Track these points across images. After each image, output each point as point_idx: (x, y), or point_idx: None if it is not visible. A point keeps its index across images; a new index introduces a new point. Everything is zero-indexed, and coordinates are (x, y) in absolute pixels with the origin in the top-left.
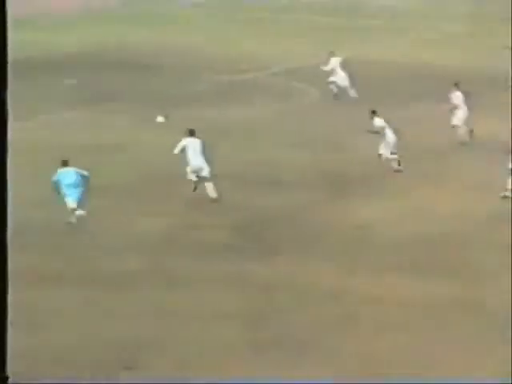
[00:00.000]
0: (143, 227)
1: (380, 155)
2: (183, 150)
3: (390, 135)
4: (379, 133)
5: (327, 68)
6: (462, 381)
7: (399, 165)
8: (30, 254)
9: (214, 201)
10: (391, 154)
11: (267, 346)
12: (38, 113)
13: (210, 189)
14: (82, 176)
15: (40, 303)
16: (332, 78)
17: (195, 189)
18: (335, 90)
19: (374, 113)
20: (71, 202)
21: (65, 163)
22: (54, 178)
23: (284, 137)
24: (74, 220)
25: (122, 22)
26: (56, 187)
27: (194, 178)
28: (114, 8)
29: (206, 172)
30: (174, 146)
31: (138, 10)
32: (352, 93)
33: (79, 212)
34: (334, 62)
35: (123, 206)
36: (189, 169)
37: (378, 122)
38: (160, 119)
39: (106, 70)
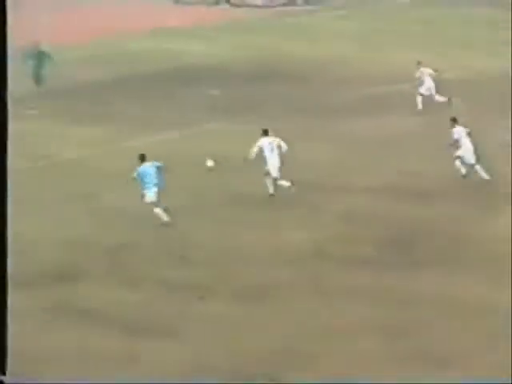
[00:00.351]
0: (292, 240)
1: (458, 157)
2: (261, 151)
3: (468, 144)
4: (458, 142)
5: (416, 78)
6: (462, 381)
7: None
8: (185, 268)
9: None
10: (469, 163)
11: (412, 360)
12: (183, 124)
13: (285, 185)
14: (158, 167)
15: (190, 315)
16: (420, 89)
17: (272, 194)
18: (420, 104)
19: (454, 121)
20: (151, 196)
21: (142, 158)
22: (136, 172)
23: (428, 148)
24: (165, 219)
25: (268, 34)
26: (138, 181)
27: (270, 182)
28: (262, 20)
29: (275, 173)
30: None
31: (285, 21)
32: (438, 99)
33: (158, 210)
34: (422, 72)
35: (273, 218)
36: (267, 168)
37: (457, 130)
38: (210, 163)
39: (249, 81)
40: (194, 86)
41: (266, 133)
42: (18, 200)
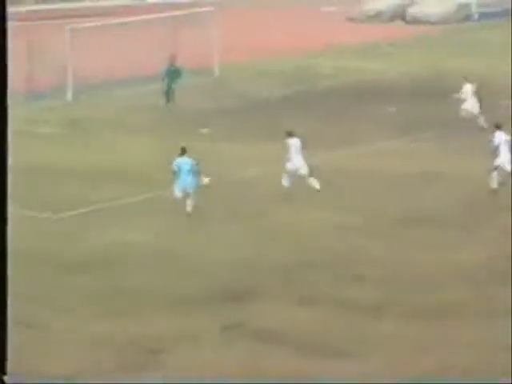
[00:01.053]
0: (464, 257)
1: (496, 168)
2: (287, 150)
3: (506, 151)
4: (498, 148)
5: (462, 95)
6: (460, 381)
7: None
8: (360, 287)
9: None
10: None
11: None
12: (358, 141)
13: (314, 182)
14: (194, 165)
15: (366, 334)
16: (464, 106)
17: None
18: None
19: (497, 127)
20: (179, 188)
21: (183, 151)
22: (175, 165)
23: None
24: (189, 209)
25: (442, 50)
26: (175, 174)
27: (286, 181)
28: (437, 36)
29: (304, 170)
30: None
31: (459, 37)
32: (482, 121)
33: (190, 203)
34: (466, 89)
35: (443, 236)
36: (289, 165)
37: (498, 135)
38: (205, 181)
39: (425, 97)
40: (369, 103)
41: (290, 134)
42: (192, 221)
